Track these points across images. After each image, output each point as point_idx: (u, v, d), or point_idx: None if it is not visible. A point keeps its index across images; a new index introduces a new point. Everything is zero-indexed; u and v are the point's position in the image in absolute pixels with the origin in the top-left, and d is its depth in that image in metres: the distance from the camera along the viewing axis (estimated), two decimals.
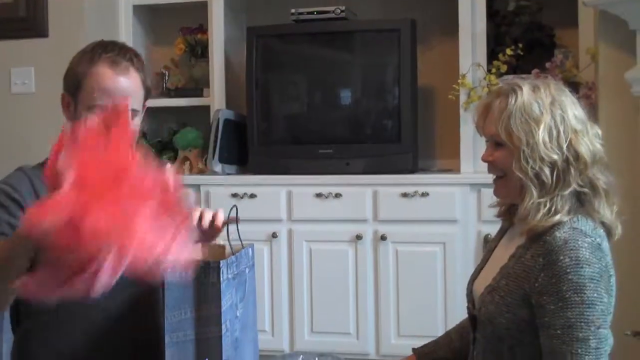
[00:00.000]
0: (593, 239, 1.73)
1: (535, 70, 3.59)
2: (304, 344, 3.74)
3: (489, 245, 2.08)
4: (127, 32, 4.24)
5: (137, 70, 1.96)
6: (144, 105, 2.02)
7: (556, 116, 1.78)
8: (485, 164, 1.91)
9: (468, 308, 2.00)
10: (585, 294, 1.67)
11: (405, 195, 3.67)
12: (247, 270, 1.77)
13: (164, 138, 4.30)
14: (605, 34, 3.47)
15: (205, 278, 1.58)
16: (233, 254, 1.69)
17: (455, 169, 3.81)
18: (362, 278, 3.72)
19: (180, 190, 1.39)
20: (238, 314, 1.67)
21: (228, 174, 3.99)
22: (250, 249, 1.81)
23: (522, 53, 3.66)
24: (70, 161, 1.32)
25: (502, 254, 1.91)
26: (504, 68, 3.65)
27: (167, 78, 4.31)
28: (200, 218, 1.80)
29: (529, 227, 1.78)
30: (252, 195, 3.82)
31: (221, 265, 1.58)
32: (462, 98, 3.71)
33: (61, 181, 1.30)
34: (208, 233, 1.80)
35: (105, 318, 1.88)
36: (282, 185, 3.82)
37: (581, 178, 1.78)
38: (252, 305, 1.82)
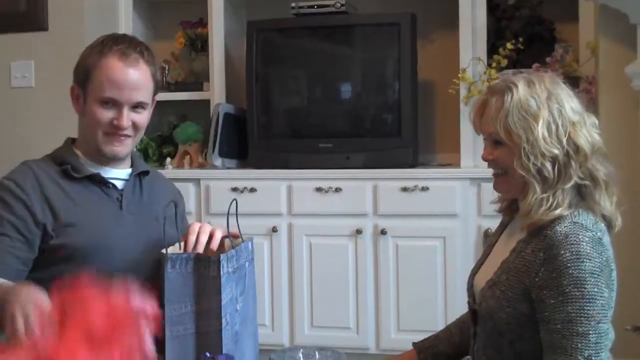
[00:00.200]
0: (594, 233, 1.73)
1: (535, 65, 3.59)
2: (304, 339, 3.75)
3: (489, 239, 2.08)
4: (127, 26, 4.23)
5: (147, 63, 1.96)
6: (153, 100, 2.02)
7: (553, 110, 1.77)
8: None
9: (469, 302, 2.00)
10: (585, 288, 1.67)
11: (405, 189, 3.67)
12: (246, 264, 1.77)
13: (164, 132, 4.30)
14: (606, 28, 3.47)
15: (206, 271, 1.58)
16: (233, 247, 1.69)
17: (455, 164, 3.81)
18: (362, 272, 3.72)
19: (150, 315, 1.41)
20: (238, 308, 1.67)
21: (228, 168, 3.99)
22: (249, 243, 1.80)
23: (522, 47, 3.66)
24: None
25: (503, 249, 1.91)
26: (504, 62, 3.65)
27: (167, 72, 4.31)
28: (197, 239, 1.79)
29: (531, 221, 1.78)
30: (252, 190, 3.82)
31: (221, 259, 1.57)
32: (463, 92, 3.70)
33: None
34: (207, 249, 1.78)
35: None
36: (282, 179, 3.82)
37: (581, 170, 1.78)
38: (252, 299, 1.81)
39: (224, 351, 1.57)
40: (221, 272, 1.57)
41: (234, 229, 1.79)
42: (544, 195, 1.77)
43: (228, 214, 1.71)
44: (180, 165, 4.11)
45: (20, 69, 4.02)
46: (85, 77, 1.95)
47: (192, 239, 1.73)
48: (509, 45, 3.64)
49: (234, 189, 3.83)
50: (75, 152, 2.00)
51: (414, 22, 3.79)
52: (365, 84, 4.01)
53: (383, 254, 3.69)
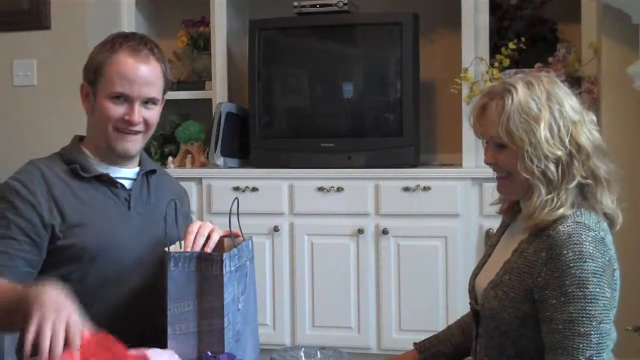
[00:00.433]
0: (597, 232, 1.73)
1: (537, 65, 3.59)
2: (306, 338, 3.75)
3: (490, 240, 2.08)
4: (129, 24, 4.23)
5: (157, 60, 1.97)
6: (163, 97, 2.03)
7: (554, 111, 1.77)
8: None
9: (470, 304, 2.00)
10: (587, 288, 1.67)
11: (407, 189, 3.66)
12: (247, 263, 1.77)
13: (166, 131, 4.30)
14: (608, 28, 3.47)
15: (209, 270, 1.58)
16: (235, 246, 1.68)
17: (457, 163, 3.81)
18: (364, 272, 3.72)
19: None
20: (240, 307, 1.67)
21: (230, 167, 3.99)
22: (250, 242, 1.80)
23: (524, 47, 3.66)
24: None
25: (505, 249, 1.91)
26: (506, 62, 3.65)
27: (169, 71, 4.30)
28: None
29: (534, 223, 1.77)
30: (254, 189, 3.82)
31: (224, 257, 1.57)
32: (465, 92, 3.70)
33: None
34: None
35: (110, 309, 1.88)
36: (284, 178, 3.82)
37: (584, 169, 1.78)
38: (252, 298, 1.82)
39: (225, 350, 1.57)
40: (224, 271, 1.57)
41: (235, 228, 1.79)
42: (549, 196, 1.76)
43: (230, 212, 1.71)
44: (182, 165, 4.12)
45: (22, 67, 4.02)
46: (95, 74, 1.94)
47: (189, 238, 1.73)
48: (511, 45, 3.64)
49: (236, 188, 3.83)
50: (84, 151, 2.00)
51: (416, 22, 3.79)
52: (367, 84, 4.01)
53: (384, 254, 3.69)
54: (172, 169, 3.96)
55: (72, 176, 1.94)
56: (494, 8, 3.81)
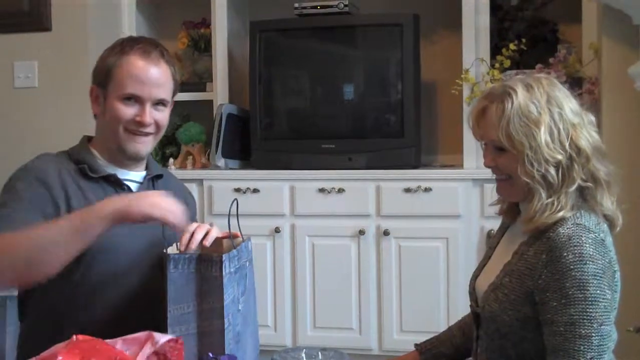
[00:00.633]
0: (597, 234, 1.72)
1: (538, 65, 3.59)
2: (307, 339, 3.75)
3: (490, 242, 2.08)
4: (130, 26, 4.23)
5: (167, 63, 2.01)
6: (172, 100, 2.05)
7: (554, 114, 1.77)
8: None
9: (471, 306, 2.00)
10: (588, 290, 1.67)
11: (408, 190, 3.66)
12: (247, 264, 1.77)
13: (167, 132, 4.28)
14: (609, 29, 3.47)
15: (208, 271, 1.58)
16: (234, 247, 1.69)
17: (458, 164, 3.81)
18: (365, 273, 3.72)
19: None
20: (240, 308, 1.67)
21: (231, 168, 3.99)
22: (249, 243, 1.80)
23: (525, 48, 3.66)
24: None
25: (505, 251, 1.91)
26: (507, 63, 3.65)
27: None
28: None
29: (535, 226, 1.77)
30: (255, 190, 3.82)
31: (224, 259, 1.57)
32: (465, 93, 3.70)
33: None
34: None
35: (110, 309, 1.89)
36: (285, 180, 3.82)
37: (584, 172, 1.78)
38: (252, 299, 1.82)
39: (226, 351, 1.57)
40: (224, 272, 1.57)
41: (235, 229, 1.80)
42: (549, 200, 1.76)
43: (229, 214, 1.71)
44: (183, 166, 4.12)
45: (23, 69, 4.02)
46: (106, 76, 1.96)
47: (186, 236, 1.73)
48: (511, 46, 3.64)
49: (237, 190, 3.83)
50: (92, 152, 2.01)
51: (416, 23, 3.79)
52: (368, 85, 4.00)
53: (386, 255, 3.69)
54: (173, 171, 3.95)
55: (80, 175, 1.95)
56: (494, 9, 3.81)
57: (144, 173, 2.06)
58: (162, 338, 1.44)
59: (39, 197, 1.86)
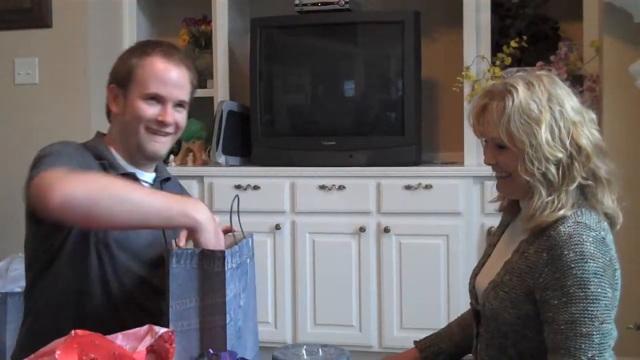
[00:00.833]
0: (597, 232, 1.72)
1: (539, 63, 3.59)
2: (307, 336, 3.75)
3: (490, 239, 2.08)
4: (130, 22, 4.23)
5: (186, 67, 2.03)
6: (189, 103, 2.07)
7: (555, 112, 1.76)
8: None
9: (471, 304, 2.00)
10: (589, 289, 1.66)
11: (408, 187, 3.66)
12: (248, 260, 1.77)
13: None
14: (610, 27, 3.47)
15: (210, 267, 1.58)
16: (236, 243, 1.69)
17: (459, 162, 3.81)
18: (365, 270, 3.72)
19: None
20: (241, 304, 1.68)
21: (231, 165, 3.99)
22: (250, 239, 1.81)
23: (526, 45, 3.66)
24: None
25: (505, 249, 1.91)
26: (508, 60, 3.64)
27: None
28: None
29: (535, 224, 1.77)
30: (256, 187, 3.82)
31: (226, 254, 1.58)
32: (466, 90, 3.70)
33: None
34: None
35: (115, 301, 1.89)
36: (286, 177, 3.82)
37: (584, 170, 1.78)
38: (252, 296, 1.82)
39: (228, 347, 1.57)
40: (226, 268, 1.57)
41: (236, 225, 1.80)
42: (549, 198, 1.76)
43: (231, 210, 1.71)
44: (183, 163, 4.12)
45: (24, 65, 4.02)
46: (127, 76, 1.98)
47: (184, 232, 1.74)
48: (512, 44, 3.64)
49: (237, 187, 3.83)
50: (110, 149, 2.02)
51: (417, 20, 3.79)
52: (369, 82, 4.01)
53: (386, 252, 3.69)
54: (174, 167, 3.96)
55: (100, 170, 1.95)
56: (495, 6, 3.81)
57: (154, 175, 2.08)
58: (161, 330, 1.44)
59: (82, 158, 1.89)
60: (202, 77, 4.23)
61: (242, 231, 1.79)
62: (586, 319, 1.66)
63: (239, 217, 1.77)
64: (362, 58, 4.03)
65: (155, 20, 4.48)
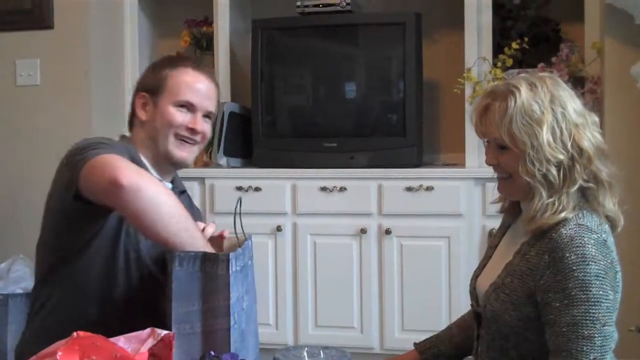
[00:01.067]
0: (599, 235, 1.72)
1: (540, 64, 3.59)
2: (308, 338, 3.75)
3: (491, 241, 2.08)
4: (132, 23, 4.23)
5: (214, 82, 2.12)
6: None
7: (557, 114, 1.76)
8: None
9: (472, 305, 2.00)
10: (591, 291, 1.66)
11: (409, 189, 3.66)
12: (249, 262, 1.77)
13: None
14: (611, 29, 3.47)
15: (214, 270, 1.58)
16: (239, 246, 1.69)
17: (460, 163, 3.81)
18: (367, 272, 3.72)
19: None
20: (244, 306, 1.68)
21: (232, 167, 3.99)
22: (249, 241, 1.81)
23: (527, 47, 3.66)
24: None
25: (506, 251, 1.91)
26: (509, 62, 3.64)
27: None
28: None
29: (536, 226, 1.77)
30: (257, 189, 3.82)
31: (230, 257, 1.58)
32: (468, 92, 3.70)
33: None
34: None
35: (120, 302, 1.90)
36: (287, 178, 3.82)
37: (585, 173, 1.77)
38: (253, 298, 1.82)
39: (232, 350, 1.57)
40: (230, 271, 1.57)
41: (238, 228, 1.80)
42: (550, 200, 1.76)
43: (235, 212, 1.72)
44: None
45: (25, 67, 4.02)
46: (158, 84, 2.04)
47: (211, 226, 1.76)
48: (514, 45, 3.64)
49: (239, 188, 3.83)
50: (138, 153, 2.04)
51: (419, 22, 3.79)
52: (370, 84, 4.01)
53: (387, 254, 3.69)
54: None
55: None
56: (497, 8, 3.81)
57: (170, 185, 2.11)
58: (162, 333, 1.44)
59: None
60: None
61: (244, 233, 1.80)
62: (588, 322, 1.66)
63: (240, 219, 1.77)
64: (364, 59, 4.03)
65: (157, 21, 4.48)
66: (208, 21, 4.23)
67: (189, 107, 2.03)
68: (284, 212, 3.81)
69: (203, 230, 1.82)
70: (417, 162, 3.79)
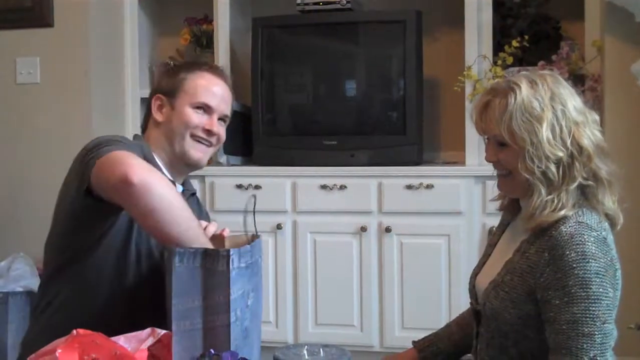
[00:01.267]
0: (599, 232, 1.72)
1: (541, 62, 3.59)
2: (308, 336, 3.75)
3: (490, 239, 2.08)
4: (132, 22, 4.23)
5: (230, 87, 2.16)
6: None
7: (557, 111, 1.76)
8: None
9: (471, 303, 2.00)
10: (591, 289, 1.66)
11: (410, 187, 3.66)
12: (259, 260, 1.78)
13: None
14: (612, 26, 3.47)
15: (214, 266, 1.58)
16: (249, 243, 1.70)
17: (460, 161, 3.81)
18: (367, 270, 3.72)
19: None
20: (249, 303, 1.67)
21: (233, 165, 3.99)
22: (259, 240, 1.83)
23: (527, 45, 3.65)
24: None
25: (506, 249, 1.91)
26: (509, 60, 3.64)
27: None
28: None
29: (535, 224, 1.77)
30: (257, 187, 3.82)
31: (231, 253, 1.57)
32: (468, 90, 3.70)
33: None
34: None
35: (128, 297, 1.91)
36: (287, 176, 3.82)
37: (585, 170, 1.77)
38: (259, 297, 1.82)
39: (232, 347, 1.56)
40: (231, 267, 1.57)
41: (251, 225, 1.83)
42: (549, 197, 1.76)
43: (249, 210, 1.74)
44: None
45: (25, 65, 4.02)
46: (175, 86, 2.07)
47: (213, 224, 1.76)
48: (514, 43, 3.63)
49: (239, 186, 3.83)
50: (152, 153, 2.04)
51: (419, 20, 3.79)
52: (370, 81, 4.00)
53: (387, 252, 3.69)
54: None
55: None
56: (497, 6, 3.80)
57: (181, 188, 2.13)
58: (161, 333, 1.44)
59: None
60: None
61: (257, 231, 1.81)
62: (588, 319, 1.66)
63: (254, 217, 1.79)
64: (364, 57, 4.03)
65: (157, 19, 4.48)
66: (208, 19, 4.23)
67: (205, 109, 2.06)
68: (284, 210, 3.81)
69: (205, 228, 1.82)
70: (417, 160, 3.79)
